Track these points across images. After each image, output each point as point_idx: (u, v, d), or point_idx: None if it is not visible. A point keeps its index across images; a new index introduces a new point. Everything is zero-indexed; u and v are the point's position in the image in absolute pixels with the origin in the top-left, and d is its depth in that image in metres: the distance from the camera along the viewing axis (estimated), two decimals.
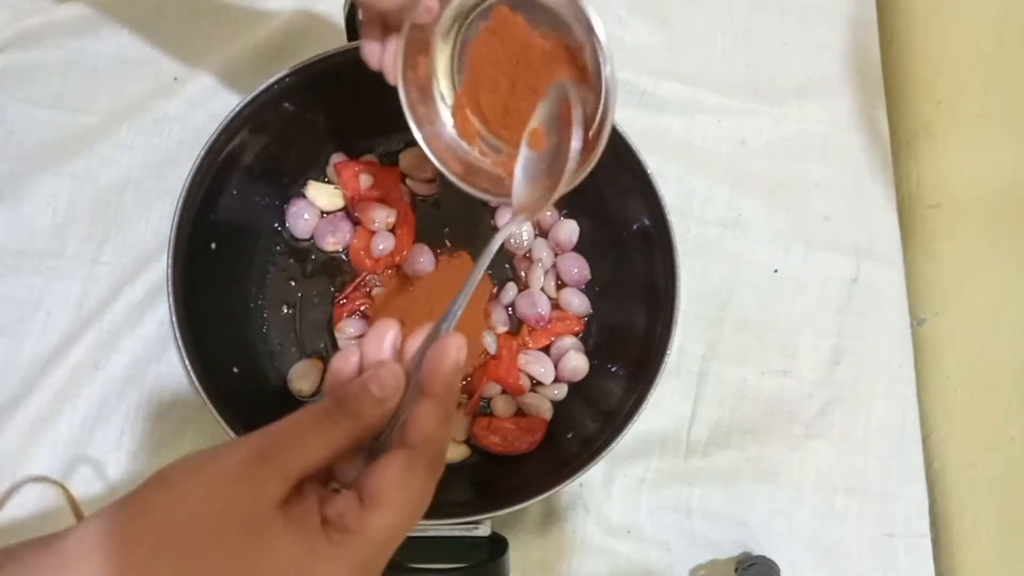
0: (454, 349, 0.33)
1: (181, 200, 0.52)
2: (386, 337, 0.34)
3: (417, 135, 0.47)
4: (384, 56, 0.46)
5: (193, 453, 0.31)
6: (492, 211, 0.66)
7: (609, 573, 0.60)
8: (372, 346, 0.34)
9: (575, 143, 0.40)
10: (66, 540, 0.29)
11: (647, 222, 0.58)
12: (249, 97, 0.54)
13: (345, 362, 0.34)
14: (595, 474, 0.62)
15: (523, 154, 0.42)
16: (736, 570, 0.60)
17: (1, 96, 0.63)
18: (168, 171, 0.63)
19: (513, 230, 0.39)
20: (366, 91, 0.60)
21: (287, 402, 0.59)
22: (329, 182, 0.64)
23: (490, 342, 0.62)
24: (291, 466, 0.30)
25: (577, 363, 0.61)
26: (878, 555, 0.64)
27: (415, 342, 0.34)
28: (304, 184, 0.63)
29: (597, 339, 0.64)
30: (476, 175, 0.48)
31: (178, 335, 0.50)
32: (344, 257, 0.63)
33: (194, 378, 0.50)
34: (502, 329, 0.62)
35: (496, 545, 0.50)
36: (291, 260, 0.63)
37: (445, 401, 0.32)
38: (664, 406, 0.65)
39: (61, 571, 0.28)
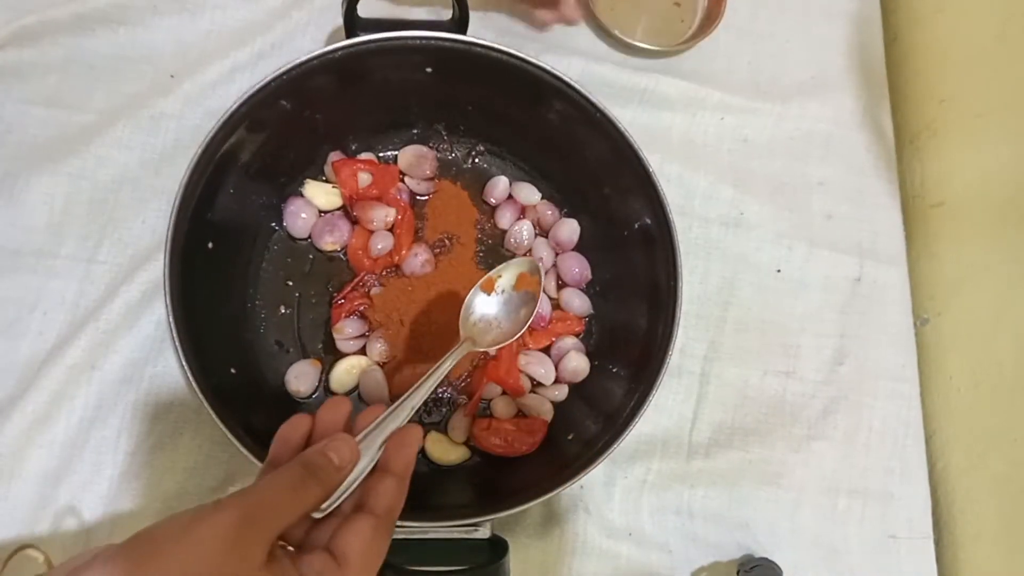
0: (416, 439, 0.40)
1: (178, 199, 0.52)
2: (341, 412, 0.40)
3: None
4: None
5: (176, 516, 0.32)
6: (492, 211, 0.65)
7: (610, 575, 0.60)
8: (327, 417, 0.40)
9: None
10: None
11: (648, 221, 0.58)
12: (246, 95, 0.54)
13: (294, 429, 0.39)
14: (596, 476, 0.62)
15: (475, 293, 0.53)
16: (738, 572, 0.59)
17: None
18: (165, 169, 0.63)
19: (457, 358, 0.48)
20: (364, 89, 0.60)
21: (285, 402, 0.59)
22: (327, 181, 0.64)
23: None
24: (272, 531, 0.33)
25: (578, 364, 0.61)
26: (881, 556, 0.64)
27: (366, 421, 0.40)
28: (302, 183, 0.62)
29: (598, 339, 0.63)
30: None
31: (175, 335, 0.50)
32: (342, 256, 0.63)
33: (191, 378, 0.49)
34: None
35: (496, 547, 0.49)
36: (289, 259, 0.62)
37: (404, 479, 0.39)
38: (666, 407, 0.64)
39: None
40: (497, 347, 0.53)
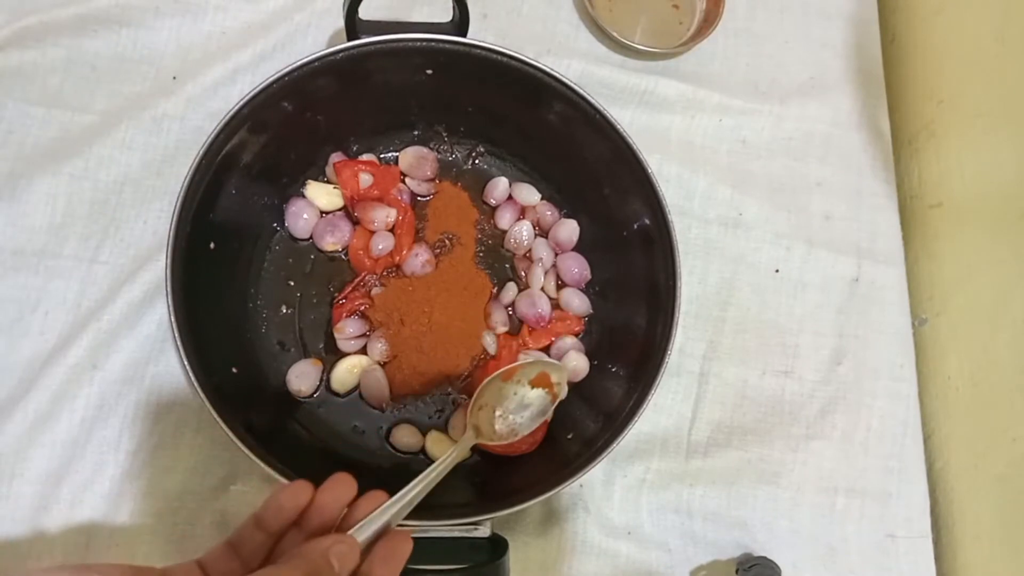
0: (405, 552, 0.38)
1: (180, 199, 0.52)
2: (344, 495, 0.38)
3: None
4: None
5: None
6: (492, 212, 0.66)
7: (609, 574, 0.60)
8: (329, 499, 0.38)
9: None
10: None
11: (648, 222, 0.58)
12: (248, 96, 0.54)
13: (292, 499, 0.38)
14: (595, 475, 0.62)
15: (492, 381, 0.52)
16: (737, 571, 0.59)
17: None
18: (167, 170, 0.63)
19: (463, 450, 0.48)
20: (365, 91, 0.60)
21: (286, 402, 0.59)
22: (328, 182, 0.64)
23: (490, 342, 0.61)
24: None
25: (577, 363, 0.61)
26: (879, 556, 0.64)
27: (365, 509, 0.39)
28: (303, 184, 0.63)
29: (597, 339, 0.63)
30: None
31: (177, 335, 0.50)
32: (343, 257, 0.63)
33: (193, 378, 0.49)
34: (502, 329, 0.62)
35: (496, 546, 0.49)
36: (290, 260, 0.63)
37: None
38: (665, 406, 0.64)
39: None
40: (500, 444, 0.52)
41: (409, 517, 0.48)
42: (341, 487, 0.39)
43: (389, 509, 0.40)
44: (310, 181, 0.63)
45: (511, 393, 0.52)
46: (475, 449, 0.60)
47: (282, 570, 0.34)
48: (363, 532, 0.38)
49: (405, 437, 0.59)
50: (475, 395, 0.52)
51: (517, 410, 0.52)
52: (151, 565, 0.36)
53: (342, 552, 0.35)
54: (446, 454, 0.47)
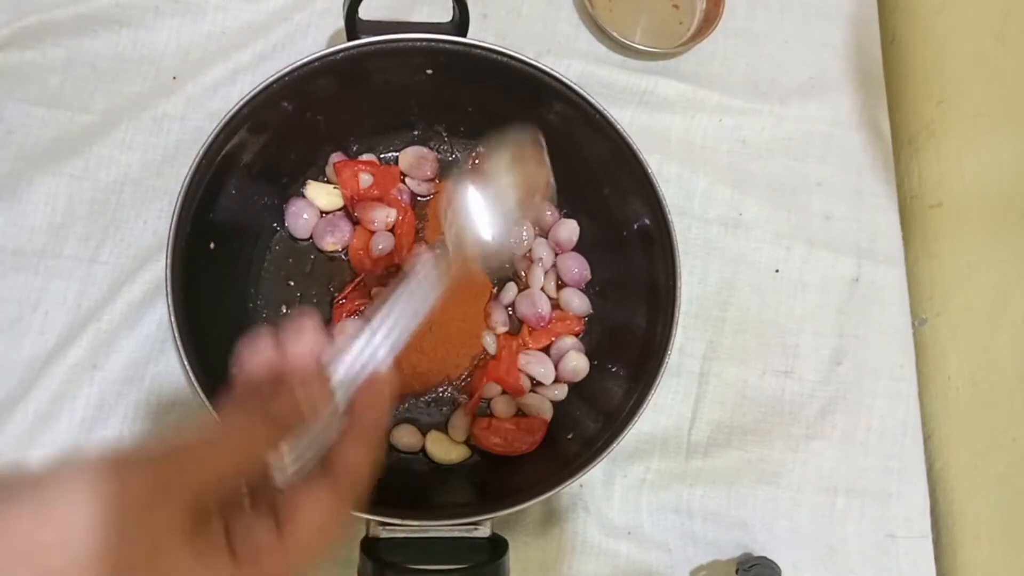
0: (386, 389, 0.33)
1: (180, 199, 0.52)
2: (312, 344, 0.34)
3: None
4: None
5: (102, 455, 0.28)
6: None
7: (609, 574, 0.60)
8: (298, 348, 0.34)
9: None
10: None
11: (648, 222, 0.58)
12: (248, 96, 0.54)
13: (254, 354, 0.34)
14: (595, 475, 0.62)
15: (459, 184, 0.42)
16: (737, 571, 0.59)
17: None
18: (167, 170, 0.63)
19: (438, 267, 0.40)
20: (365, 91, 0.60)
21: None
22: (328, 182, 0.64)
23: (490, 342, 0.61)
24: (199, 493, 0.28)
25: (577, 363, 0.61)
26: (879, 556, 0.64)
27: (338, 347, 0.34)
28: (303, 184, 0.63)
29: (597, 339, 0.63)
30: None
31: (177, 335, 0.50)
32: (343, 257, 0.63)
33: (193, 378, 0.49)
34: (502, 329, 0.62)
35: (496, 546, 0.49)
36: (290, 260, 0.63)
37: (373, 442, 0.33)
38: (665, 406, 0.64)
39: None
40: (484, 262, 0.42)
41: (409, 517, 0.48)
42: (308, 328, 0.34)
43: (360, 342, 0.35)
44: (310, 181, 0.63)
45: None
46: (475, 449, 0.60)
47: (226, 428, 0.31)
48: (336, 371, 0.34)
49: (405, 437, 0.59)
50: (444, 207, 0.43)
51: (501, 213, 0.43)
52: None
53: (312, 397, 0.32)
54: (415, 265, 0.39)
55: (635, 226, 0.60)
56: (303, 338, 0.34)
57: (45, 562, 0.25)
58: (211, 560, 0.28)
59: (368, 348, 0.35)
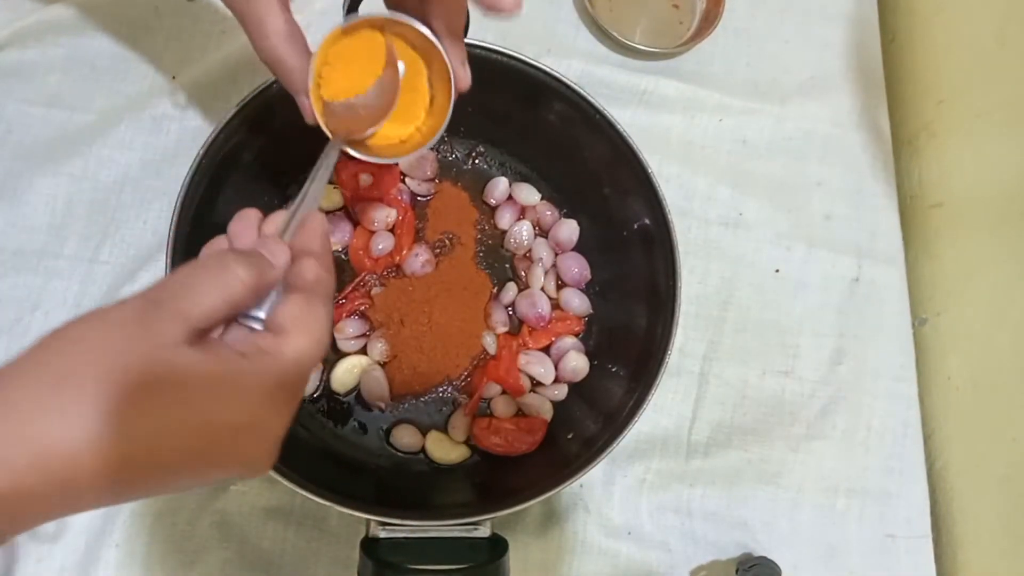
0: (318, 219, 0.38)
1: (179, 200, 0.52)
2: (253, 220, 0.38)
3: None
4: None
5: (92, 310, 0.31)
6: (492, 212, 0.66)
7: (609, 574, 0.60)
8: (239, 228, 0.38)
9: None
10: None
11: (648, 222, 0.58)
12: (248, 96, 0.54)
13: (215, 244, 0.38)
14: (595, 475, 0.62)
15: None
16: (737, 571, 0.59)
17: None
18: (166, 170, 0.63)
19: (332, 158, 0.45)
20: None
21: None
22: (328, 182, 0.64)
23: (490, 342, 0.61)
24: (187, 310, 0.31)
25: (577, 363, 0.61)
26: (879, 556, 0.64)
27: (273, 225, 0.38)
28: (303, 184, 0.62)
29: (597, 339, 0.63)
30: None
31: None
32: (343, 257, 0.63)
33: None
34: (502, 329, 0.62)
35: (496, 546, 0.49)
36: None
37: (325, 257, 0.37)
38: (665, 406, 0.64)
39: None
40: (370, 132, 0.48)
41: (409, 517, 0.48)
42: (248, 214, 0.39)
43: (296, 209, 0.39)
44: None
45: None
46: (475, 449, 0.60)
47: (206, 259, 0.34)
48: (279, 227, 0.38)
49: (405, 437, 0.59)
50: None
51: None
52: None
53: (271, 248, 0.36)
54: (319, 161, 0.44)
55: (635, 226, 0.60)
56: (246, 218, 0.39)
57: (58, 366, 0.28)
58: (221, 354, 0.31)
59: (300, 209, 0.39)
